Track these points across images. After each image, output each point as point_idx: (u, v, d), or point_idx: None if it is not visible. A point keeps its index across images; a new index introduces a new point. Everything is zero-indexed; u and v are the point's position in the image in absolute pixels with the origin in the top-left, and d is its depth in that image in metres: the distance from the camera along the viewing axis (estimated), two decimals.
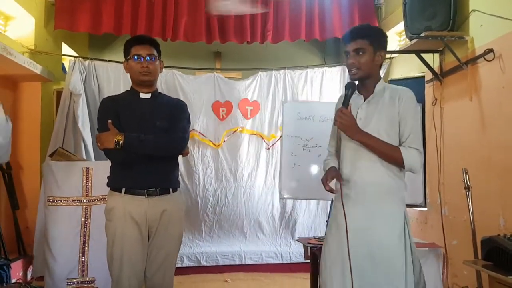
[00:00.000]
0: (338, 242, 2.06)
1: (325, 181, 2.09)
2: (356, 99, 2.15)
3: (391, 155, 2.02)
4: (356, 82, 2.16)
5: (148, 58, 2.32)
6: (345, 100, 2.08)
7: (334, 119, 2.08)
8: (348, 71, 2.13)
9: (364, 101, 2.13)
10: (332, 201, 3.99)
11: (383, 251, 1.99)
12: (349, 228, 2.01)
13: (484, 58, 2.93)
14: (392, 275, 1.97)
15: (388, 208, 2.03)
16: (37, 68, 3.86)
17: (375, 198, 2.03)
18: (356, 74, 2.09)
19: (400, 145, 2.05)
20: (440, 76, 3.53)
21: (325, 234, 2.26)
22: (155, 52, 2.35)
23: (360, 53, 2.05)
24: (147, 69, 2.32)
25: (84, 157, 4.05)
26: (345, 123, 2.03)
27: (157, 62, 2.37)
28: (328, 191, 2.09)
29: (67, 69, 4.47)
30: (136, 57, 2.31)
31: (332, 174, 2.11)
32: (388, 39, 4.72)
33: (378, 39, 2.10)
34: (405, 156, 1.99)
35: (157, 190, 2.31)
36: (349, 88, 2.10)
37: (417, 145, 2.03)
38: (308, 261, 3.41)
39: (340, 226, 2.05)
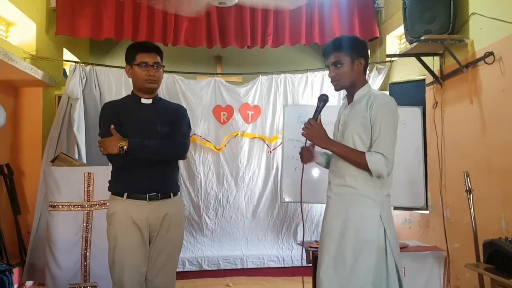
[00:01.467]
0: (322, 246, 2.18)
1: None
2: (344, 104, 2.28)
3: (356, 161, 2.08)
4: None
5: (154, 66, 2.34)
6: (315, 112, 2.20)
7: (302, 129, 2.19)
8: (331, 83, 2.23)
9: (347, 107, 2.24)
10: None
11: (353, 253, 2.03)
12: (325, 230, 2.17)
13: (484, 61, 2.94)
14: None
15: (362, 209, 2.08)
16: (38, 74, 3.88)
17: (351, 200, 2.11)
18: (338, 85, 2.20)
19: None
20: (440, 79, 3.54)
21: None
22: (160, 60, 2.38)
23: (338, 65, 2.15)
24: (154, 77, 2.34)
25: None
26: (311, 134, 2.15)
27: (161, 69, 2.40)
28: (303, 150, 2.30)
29: (68, 74, 4.49)
30: (143, 64, 2.33)
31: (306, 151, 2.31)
32: (388, 43, 4.76)
33: (354, 48, 2.17)
34: (369, 160, 2.03)
35: (159, 194, 2.33)
36: (322, 101, 2.22)
37: (383, 150, 2.03)
38: (310, 265, 3.41)
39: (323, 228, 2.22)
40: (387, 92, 4.05)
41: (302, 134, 2.17)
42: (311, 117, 2.19)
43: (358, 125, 2.11)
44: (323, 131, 2.15)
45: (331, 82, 2.22)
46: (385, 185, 2.13)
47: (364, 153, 2.06)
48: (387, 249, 2.04)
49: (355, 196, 2.09)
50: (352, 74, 2.16)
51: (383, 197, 2.11)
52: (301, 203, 2.64)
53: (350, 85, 2.19)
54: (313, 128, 2.14)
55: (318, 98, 2.24)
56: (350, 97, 2.24)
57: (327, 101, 2.24)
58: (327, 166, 2.38)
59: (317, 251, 3.13)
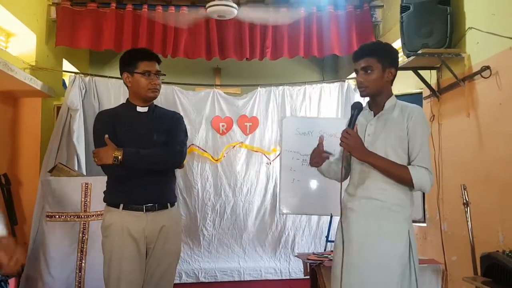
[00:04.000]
0: (338, 259, 2.04)
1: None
2: (367, 115, 2.15)
3: (399, 175, 1.99)
4: (366, 99, 2.19)
5: (157, 75, 2.32)
6: (351, 120, 2.07)
7: (340, 139, 2.05)
8: (358, 88, 2.14)
9: (374, 117, 2.13)
10: (331, 217, 4.01)
11: (379, 271, 1.96)
12: (350, 244, 2.01)
13: (481, 75, 2.96)
14: None
15: (391, 226, 2.00)
16: (37, 84, 3.89)
17: (378, 214, 2.01)
18: (365, 91, 2.10)
19: (409, 163, 2.03)
20: (437, 92, 3.56)
21: (333, 254, 2.24)
22: (159, 68, 2.37)
23: (368, 71, 2.06)
24: (157, 87, 2.33)
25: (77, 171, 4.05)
26: (350, 144, 2.01)
27: (160, 78, 2.38)
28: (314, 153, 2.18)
29: (67, 85, 4.50)
30: (146, 73, 2.30)
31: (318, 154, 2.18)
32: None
33: (387, 56, 2.10)
34: (414, 175, 1.96)
35: (156, 205, 2.28)
36: (355, 109, 2.09)
37: (426, 164, 1.99)
38: (308, 277, 3.39)
39: (338, 242, 2.07)
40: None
41: (341, 144, 2.04)
42: (348, 126, 2.06)
43: (392, 137, 2.04)
44: (361, 141, 2.03)
45: (358, 87, 2.12)
46: (412, 200, 2.08)
47: (407, 167, 1.99)
48: (411, 266, 1.99)
49: (384, 210, 2.01)
50: (381, 82, 2.08)
51: (410, 213, 2.06)
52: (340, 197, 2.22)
53: (377, 93, 2.11)
54: (351, 138, 2.01)
55: (352, 106, 2.11)
56: (375, 106, 2.14)
57: (362, 108, 2.13)
58: (326, 174, 2.30)
59: (315, 263, 3.14)
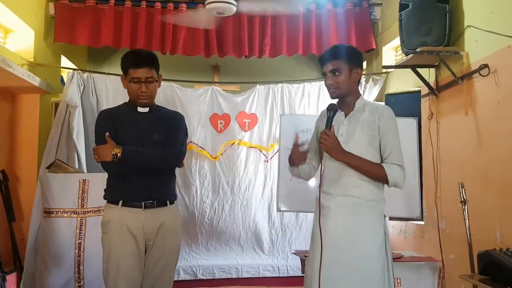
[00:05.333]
0: (316, 256, 2.10)
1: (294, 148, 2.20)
2: (337, 115, 2.21)
3: (375, 173, 2.09)
4: (336, 100, 2.25)
5: (146, 81, 2.28)
6: (328, 122, 2.15)
7: (319, 140, 2.13)
8: (327, 90, 2.21)
9: (345, 117, 2.20)
10: None
11: (362, 265, 2.03)
12: (329, 240, 2.07)
13: (479, 73, 2.97)
14: None
15: (368, 221, 2.08)
16: (35, 81, 3.88)
17: (355, 211, 2.09)
18: (335, 93, 2.18)
19: (382, 161, 2.12)
20: (436, 90, 3.56)
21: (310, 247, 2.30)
22: (154, 73, 2.31)
23: (337, 73, 2.14)
24: (145, 93, 2.30)
25: (77, 168, 4.04)
26: (329, 145, 2.08)
27: (155, 82, 2.33)
28: (293, 153, 2.19)
29: (65, 81, 4.49)
30: (135, 80, 2.27)
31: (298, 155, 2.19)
32: (385, 54, 4.80)
33: (352, 57, 2.18)
34: (389, 172, 2.06)
35: (154, 202, 2.30)
36: (331, 110, 2.17)
37: (399, 161, 2.10)
38: None
39: (316, 239, 2.13)
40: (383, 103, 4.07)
41: (321, 146, 2.12)
42: (325, 127, 2.14)
43: (365, 137, 2.12)
44: (338, 142, 2.11)
45: (328, 89, 2.20)
46: (383, 196, 2.16)
47: (381, 165, 2.08)
48: (388, 258, 2.07)
49: (360, 206, 2.09)
50: (349, 83, 2.17)
51: (383, 207, 2.14)
52: None
53: (346, 94, 2.19)
54: (330, 139, 2.09)
55: (327, 108, 2.19)
56: (345, 107, 2.22)
57: (337, 109, 2.20)
58: (301, 175, 2.35)
59: None
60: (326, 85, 2.21)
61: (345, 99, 2.21)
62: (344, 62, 2.14)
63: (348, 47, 2.25)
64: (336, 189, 2.14)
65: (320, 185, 2.22)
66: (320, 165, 2.24)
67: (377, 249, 2.06)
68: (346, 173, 2.12)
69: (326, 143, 2.08)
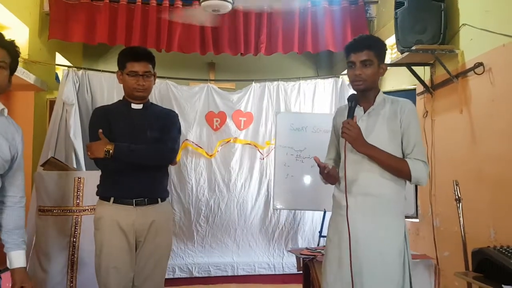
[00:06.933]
0: (339, 257, 2.02)
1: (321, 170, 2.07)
2: (356, 110, 2.10)
3: (398, 168, 1.98)
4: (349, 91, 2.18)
5: (144, 75, 2.33)
6: (350, 112, 2.03)
7: (341, 131, 2.01)
8: (351, 82, 2.09)
9: (364, 112, 2.10)
10: (325, 212, 4.02)
11: (382, 270, 1.95)
12: (345, 243, 1.98)
13: (474, 71, 2.98)
14: None
15: (388, 221, 1.99)
16: (30, 78, 3.86)
17: (375, 210, 2.00)
18: (362, 85, 2.04)
19: (404, 157, 2.02)
20: (431, 88, 3.57)
21: (325, 249, 2.21)
22: (151, 68, 2.36)
23: (367, 64, 2.01)
24: (143, 87, 2.34)
25: (75, 166, 4.03)
26: (352, 135, 1.97)
27: (152, 77, 2.39)
28: (323, 169, 2.05)
29: (60, 78, 4.47)
30: (132, 73, 2.32)
31: (329, 169, 2.06)
32: None
33: (383, 51, 2.09)
34: (412, 168, 1.96)
35: (145, 199, 2.32)
36: (352, 100, 2.06)
37: (423, 157, 2.00)
38: (301, 272, 3.41)
39: (342, 239, 2.02)
40: None
41: (342, 135, 2.00)
42: (348, 117, 2.02)
43: (386, 132, 2.02)
44: (361, 132, 1.99)
45: (353, 81, 2.06)
46: (405, 195, 2.07)
47: (405, 160, 1.98)
48: (405, 261, 1.99)
49: (381, 205, 1.99)
50: (376, 77, 2.06)
51: (404, 207, 2.05)
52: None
53: (370, 88, 2.07)
54: (353, 129, 1.96)
55: (348, 98, 2.08)
56: (365, 102, 2.10)
57: (358, 99, 2.09)
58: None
59: (308, 258, 3.15)
60: (351, 75, 2.06)
61: (366, 94, 2.09)
62: (376, 55, 2.02)
63: (380, 39, 2.15)
64: (355, 187, 2.03)
65: (339, 183, 2.12)
66: (344, 157, 2.09)
67: (398, 253, 1.97)
68: (366, 170, 2.01)
69: (350, 133, 1.96)
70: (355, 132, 1.97)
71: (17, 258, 1.97)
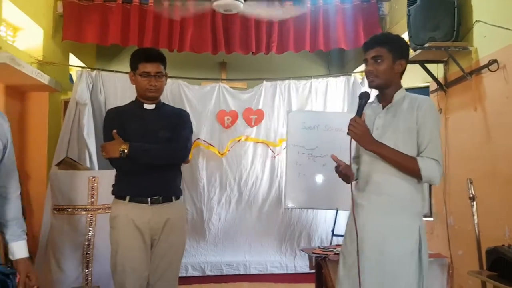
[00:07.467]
0: (353, 256, 2.01)
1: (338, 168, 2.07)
2: (376, 108, 2.12)
3: (407, 166, 1.95)
4: (372, 91, 2.14)
5: (156, 76, 2.36)
6: (359, 110, 2.03)
7: (347, 128, 2.01)
8: (366, 78, 2.11)
9: (383, 110, 2.09)
10: (337, 211, 4.01)
11: (391, 270, 1.94)
12: (361, 240, 1.98)
13: (488, 68, 2.95)
14: None
15: (402, 221, 1.97)
16: (44, 79, 3.92)
17: (388, 210, 1.98)
18: (374, 81, 2.06)
19: (417, 155, 1.99)
20: (444, 86, 3.54)
21: (341, 248, 2.22)
22: (162, 69, 2.40)
23: (378, 60, 2.02)
24: (155, 87, 2.38)
25: (88, 166, 4.08)
26: (357, 133, 1.97)
27: (164, 78, 2.42)
28: (342, 170, 2.05)
29: (74, 79, 4.52)
30: (145, 74, 2.36)
31: (345, 168, 2.06)
32: None
33: (398, 47, 2.06)
34: (422, 167, 1.93)
35: (160, 198, 2.35)
36: (363, 98, 2.05)
37: (436, 156, 1.95)
38: (313, 271, 3.40)
39: (352, 238, 2.02)
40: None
41: (348, 133, 1.99)
42: (355, 115, 2.01)
43: (401, 130, 2.00)
44: (368, 130, 1.99)
45: (367, 77, 2.09)
46: (424, 195, 2.04)
47: (415, 158, 1.95)
48: (422, 264, 1.95)
49: (394, 205, 1.98)
50: (390, 73, 2.04)
51: (421, 208, 2.02)
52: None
53: (385, 85, 2.06)
54: (359, 127, 1.96)
55: (360, 95, 2.06)
56: (384, 99, 2.10)
57: (369, 97, 2.07)
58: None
59: (320, 257, 3.15)
60: (365, 72, 2.09)
61: (384, 91, 2.09)
62: (388, 51, 2.02)
63: (395, 36, 2.13)
64: (369, 186, 2.04)
65: (356, 182, 2.13)
66: (349, 155, 2.07)
67: (409, 253, 1.94)
68: (380, 169, 2.01)
69: (355, 130, 1.96)
70: (361, 129, 1.96)
71: (19, 249, 1.94)
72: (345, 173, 2.06)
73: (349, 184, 2.07)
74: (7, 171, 1.92)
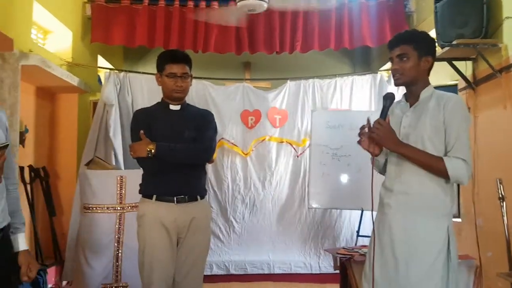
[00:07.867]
0: (382, 256, 2.00)
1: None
2: (403, 107, 2.09)
3: (433, 166, 1.92)
4: (400, 92, 2.11)
5: (182, 76, 2.41)
6: (383, 111, 2.01)
7: (371, 130, 1.99)
8: (392, 76, 2.09)
9: (410, 108, 2.06)
10: (362, 211, 3.98)
11: (416, 271, 1.91)
12: (385, 240, 1.98)
13: None
14: None
15: (429, 221, 1.95)
16: (74, 80, 4.02)
17: (416, 209, 1.96)
18: (399, 79, 2.03)
19: (445, 154, 1.95)
20: (473, 84, 3.47)
21: (368, 249, 2.20)
22: (188, 70, 2.45)
23: (404, 58, 2.00)
24: (181, 88, 2.42)
25: (114, 165, 4.16)
26: (381, 135, 1.95)
27: (189, 78, 2.47)
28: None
29: (102, 81, 4.62)
30: (171, 75, 2.40)
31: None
32: None
33: (423, 44, 2.03)
34: (449, 167, 1.89)
35: (186, 197, 2.39)
36: (388, 99, 2.03)
37: (463, 155, 1.90)
38: (338, 271, 3.38)
39: (378, 237, 2.02)
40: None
41: (371, 135, 1.98)
42: (380, 117, 1.99)
43: (428, 128, 1.96)
44: (393, 132, 1.97)
45: (393, 76, 2.06)
46: (453, 196, 2.01)
47: (442, 158, 1.92)
48: (449, 266, 1.92)
49: (421, 205, 1.95)
50: (416, 70, 2.00)
51: (451, 208, 1.99)
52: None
53: (412, 83, 2.03)
54: (383, 129, 1.95)
55: (384, 96, 2.05)
56: (411, 97, 2.07)
57: (394, 99, 2.05)
58: (379, 169, 2.20)
59: (345, 258, 3.13)
60: (391, 70, 2.08)
61: (411, 89, 2.06)
62: (413, 48, 1.98)
63: (420, 33, 2.11)
64: (397, 186, 2.01)
65: (384, 181, 2.11)
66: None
67: (435, 254, 1.91)
68: (407, 169, 1.98)
69: (378, 132, 1.95)
70: (383, 131, 1.95)
71: (20, 241, 1.94)
72: (361, 145, 2.04)
73: (372, 185, 2.02)
74: (7, 164, 1.82)
